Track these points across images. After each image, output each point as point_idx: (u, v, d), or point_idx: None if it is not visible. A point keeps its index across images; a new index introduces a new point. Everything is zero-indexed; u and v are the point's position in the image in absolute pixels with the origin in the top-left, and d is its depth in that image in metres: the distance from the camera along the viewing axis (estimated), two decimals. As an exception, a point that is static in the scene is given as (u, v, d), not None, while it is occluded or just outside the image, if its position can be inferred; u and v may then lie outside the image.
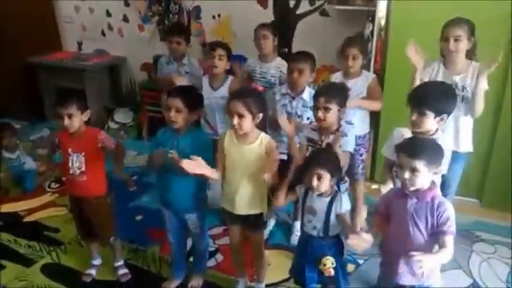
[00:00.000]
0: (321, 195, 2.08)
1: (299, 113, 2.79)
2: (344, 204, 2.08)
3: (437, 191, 1.90)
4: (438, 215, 1.84)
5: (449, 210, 1.84)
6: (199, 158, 2.10)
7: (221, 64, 3.01)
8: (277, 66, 3.19)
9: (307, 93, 2.77)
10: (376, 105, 2.91)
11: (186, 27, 4.12)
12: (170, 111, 2.25)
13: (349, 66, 2.83)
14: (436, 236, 1.85)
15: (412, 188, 1.85)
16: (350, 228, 2.07)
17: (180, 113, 2.25)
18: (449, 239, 1.81)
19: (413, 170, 1.80)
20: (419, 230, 1.88)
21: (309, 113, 2.71)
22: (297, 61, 2.76)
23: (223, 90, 3.01)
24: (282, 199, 2.19)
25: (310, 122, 2.66)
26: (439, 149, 1.87)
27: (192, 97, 2.35)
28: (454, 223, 1.84)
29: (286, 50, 4.05)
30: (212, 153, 2.34)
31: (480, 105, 2.53)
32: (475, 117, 2.62)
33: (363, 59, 2.85)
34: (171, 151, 2.16)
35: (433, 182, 1.89)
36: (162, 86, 3.65)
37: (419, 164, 1.79)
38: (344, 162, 2.25)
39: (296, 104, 2.79)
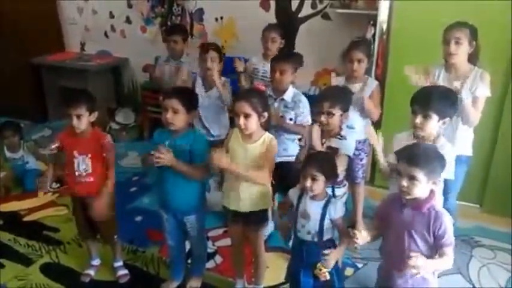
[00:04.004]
0: (314, 198, 2.07)
1: (281, 114, 2.78)
2: (338, 210, 2.07)
3: (435, 202, 1.83)
4: (435, 228, 1.79)
5: (446, 223, 1.79)
6: None
7: (214, 66, 3.05)
8: None
9: (290, 94, 2.78)
10: (375, 114, 2.91)
11: (184, 27, 4.13)
12: (167, 113, 2.24)
13: (353, 70, 2.81)
14: (433, 249, 1.83)
15: (408, 197, 1.79)
16: (345, 232, 2.08)
17: (177, 114, 2.24)
18: (449, 249, 1.81)
19: (412, 178, 1.74)
20: (414, 240, 1.84)
21: (291, 114, 2.75)
22: (278, 61, 2.77)
23: (216, 91, 3.06)
24: None
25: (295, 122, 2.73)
26: (441, 159, 1.79)
27: (188, 97, 2.34)
28: (452, 234, 1.82)
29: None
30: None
31: (475, 113, 2.48)
32: (471, 127, 2.56)
33: (367, 63, 2.85)
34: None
35: (431, 192, 1.81)
36: (158, 84, 3.69)
37: (419, 173, 1.72)
38: (342, 165, 2.25)
39: (278, 105, 2.79)
